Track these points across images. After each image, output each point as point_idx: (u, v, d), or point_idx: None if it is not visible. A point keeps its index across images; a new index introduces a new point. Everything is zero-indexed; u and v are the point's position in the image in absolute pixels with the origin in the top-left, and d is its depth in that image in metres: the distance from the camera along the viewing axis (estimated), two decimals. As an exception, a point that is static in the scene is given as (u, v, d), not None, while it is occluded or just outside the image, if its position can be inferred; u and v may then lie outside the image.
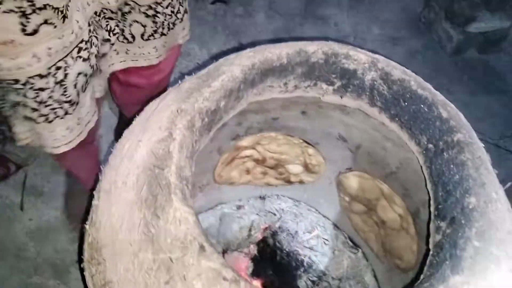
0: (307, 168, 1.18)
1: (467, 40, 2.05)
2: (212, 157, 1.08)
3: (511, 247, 0.59)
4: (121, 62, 0.95)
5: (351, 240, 1.31)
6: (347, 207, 1.20)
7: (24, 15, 0.65)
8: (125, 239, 0.58)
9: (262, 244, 1.23)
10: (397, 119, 0.73)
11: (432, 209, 0.66)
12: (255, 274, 1.16)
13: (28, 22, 0.66)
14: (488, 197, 0.59)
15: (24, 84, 0.74)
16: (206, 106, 0.63)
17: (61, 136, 0.86)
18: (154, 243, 0.54)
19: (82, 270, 0.69)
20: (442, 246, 0.58)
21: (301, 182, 1.24)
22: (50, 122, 0.82)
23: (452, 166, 0.62)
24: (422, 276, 0.57)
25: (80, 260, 0.68)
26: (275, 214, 1.34)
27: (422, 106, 0.68)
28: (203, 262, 0.51)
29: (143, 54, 0.95)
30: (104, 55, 0.89)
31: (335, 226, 1.33)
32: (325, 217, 1.34)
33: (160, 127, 0.61)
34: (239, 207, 1.35)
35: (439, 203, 0.63)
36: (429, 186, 0.68)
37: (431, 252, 0.60)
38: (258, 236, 1.26)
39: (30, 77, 0.73)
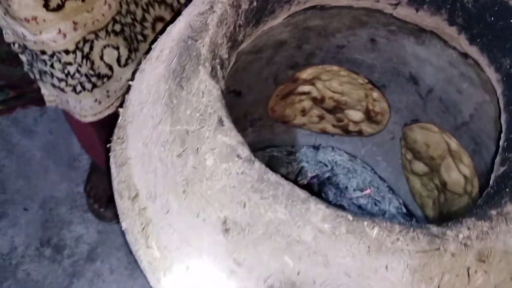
0: (368, 116, 1.08)
1: None
2: (267, 86, 1.02)
3: None
4: None
5: (406, 207, 1.20)
6: (407, 167, 1.09)
7: None
8: (149, 112, 0.54)
9: (305, 190, 1.16)
10: (478, 40, 0.61)
11: (501, 142, 0.55)
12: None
13: None
14: None
15: (51, 56, 0.72)
16: (256, -14, 0.56)
17: (88, 107, 0.83)
18: (174, 115, 0.49)
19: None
20: (505, 176, 0.47)
21: (360, 133, 1.14)
22: (77, 93, 0.80)
23: (539, 90, 0.50)
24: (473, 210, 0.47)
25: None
26: (326, 166, 1.26)
27: (511, 21, 0.56)
28: (218, 136, 0.45)
29: None
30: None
31: (390, 189, 1.23)
32: (381, 178, 1.24)
33: (203, 1, 0.55)
34: (290, 153, 1.29)
35: (511, 133, 0.52)
36: (503, 117, 0.57)
37: (490, 186, 0.49)
38: (304, 182, 1.19)
39: (56, 51, 0.71)
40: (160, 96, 0.52)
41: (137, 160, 0.54)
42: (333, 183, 1.23)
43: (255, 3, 0.57)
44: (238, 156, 0.44)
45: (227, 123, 0.45)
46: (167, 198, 0.49)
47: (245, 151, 0.44)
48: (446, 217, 0.99)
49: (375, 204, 1.22)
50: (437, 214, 1.04)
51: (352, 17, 0.76)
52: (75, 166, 1.40)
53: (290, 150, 1.29)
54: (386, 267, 0.41)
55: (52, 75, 0.76)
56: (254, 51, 0.84)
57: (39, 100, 1.54)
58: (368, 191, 1.22)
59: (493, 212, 0.42)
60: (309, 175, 1.23)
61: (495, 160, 0.54)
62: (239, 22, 0.57)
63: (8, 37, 0.75)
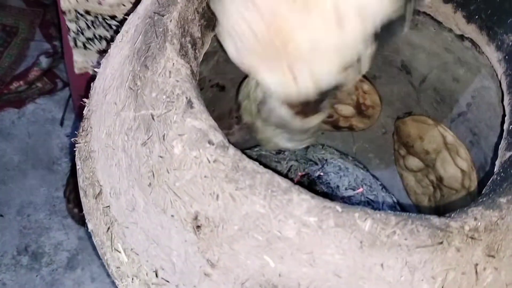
0: (359, 110, 1.03)
1: None
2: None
3: None
4: None
5: (401, 205, 1.14)
6: (401, 163, 1.04)
7: None
8: (112, 99, 0.48)
9: (296, 188, 1.10)
10: (476, 16, 0.56)
11: (506, 126, 0.50)
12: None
13: None
14: None
15: (120, 22, 0.74)
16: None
17: None
18: (138, 98, 0.43)
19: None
20: (515, 161, 0.42)
21: (351, 128, 1.09)
22: None
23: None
24: (479, 199, 0.41)
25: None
26: (316, 164, 1.20)
27: (514, -8, 0.51)
28: (187, 120, 0.39)
29: None
30: None
31: (384, 187, 1.17)
32: (374, 177, 1.18)
33: (172, -25, 0.50)
34: (278, 152, 1.23)
35: (518, 116, 0.47)
36: (506, 100, 0.51)
37: (496, 172, 0.44)
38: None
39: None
40: (124, 79, 0.46)
41: (101, 153, 0.48)
42: (324, 182, 1.17)
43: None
44: (209, 142, 0.38)
45: (197, 105, 0.40)
46: (132, 193, 0.43)
47: (217, 136, 0.38)
48: (443, 214, 0.94)
49: (368, 203, 1.17)
50: (433, 212, 0.99)
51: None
52: (54, 170, 1.34)
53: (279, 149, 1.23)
54: (382, 265, 0.35)
55: (110, 40, 0.78)
56: (236, 39, 0.78)
57: (17, 102, 1.48)
58: (360, 190, 1.17)
59: (503, 200, 0.37)
60: (299, 173, 1.17)
61: (499, 146, 0.49)
62: (213, -2, 0.51)
63: (66, 5, 0.76)
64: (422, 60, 0.78)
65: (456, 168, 0.87)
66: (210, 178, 0.38)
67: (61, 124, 1.41)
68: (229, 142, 0.38)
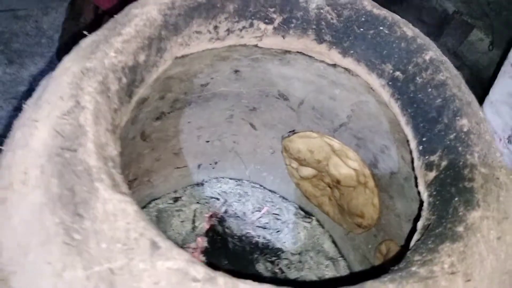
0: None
1: None
2: (136, 144, 0.91)
3: (509, 169, 0.51)
4: None
5: (303, 210, 1.22)
6: (295, 174, 1.10)
7: None
8: (40, 258, 0.40)
9: (211, 233, 1.09)
10: (352, 51, 0.62)
11: (413, 146, 0.56)
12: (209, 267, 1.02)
13: None
14: (477, 116, 0.51)
15: None
16: (121, 60, 0.46)
17: None
18: (83, 254, 0.37)
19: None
20: (442, 182, 0.48)
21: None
22: None
23: (430, 89, 0.53)
24: (425, 222, 0.47)
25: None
26: (218, 199, 1.20)
27: (381, 28, 0.57)
28: (159, 264, 0.35)
29: None
30: None
31: (284, 198, 1.23)
32: (272, 191, 1.23)
33: (62, 97, 0.44)
34: (176, 200, 1.20)
35: (422, 136, 0.53)
36: (403, 121, 0.58)
37: (426, 194, 0.50)
38: (204, 226, 1.12)
39: None
40: (51, 233, 0.39)
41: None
42: (232, 215, 1.18)
43: (125, 79, 0.48)
44: (194, 279, 0.35)
45: (163, 242, 0.36)
46: None
47: (199, 269, 0.36)
48: (347, 210, 1.03)
49: (276, 219, 1.21)
50: (336, 210, 1.08)
51: (213, 56, 0.71)
52: None
53: (174, 196, 1.20)
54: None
55: None
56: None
57: None
58: (265, 209, 1.21)
59: (461, 229, 0.42)
60: (206, 216, 1.16)
61: (415, 165, 0.55)
62: (114, 106, 0.46)
63: None
64: (297, 88, 0.83)
65: (348, 169, 0.95)
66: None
67: None
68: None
